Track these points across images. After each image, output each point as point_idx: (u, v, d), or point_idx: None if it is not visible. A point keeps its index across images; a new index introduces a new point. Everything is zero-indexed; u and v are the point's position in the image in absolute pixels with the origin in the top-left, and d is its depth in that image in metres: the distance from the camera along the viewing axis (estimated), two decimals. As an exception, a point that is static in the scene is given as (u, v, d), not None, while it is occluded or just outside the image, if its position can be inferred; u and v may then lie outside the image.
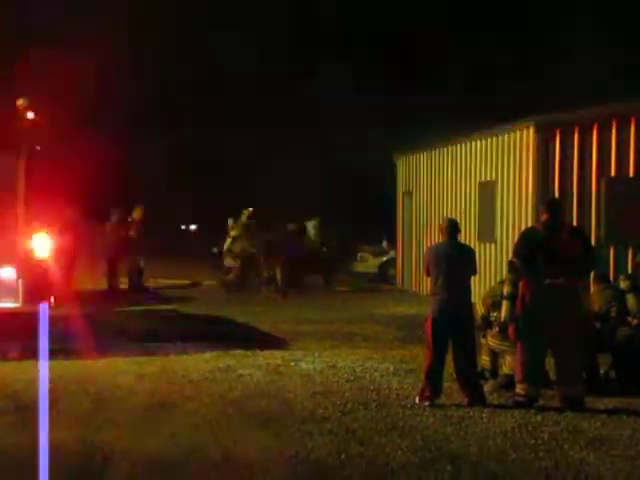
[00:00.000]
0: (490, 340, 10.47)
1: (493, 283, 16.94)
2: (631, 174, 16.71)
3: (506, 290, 10.02)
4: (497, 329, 10.25)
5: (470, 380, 9.61)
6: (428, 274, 9.94)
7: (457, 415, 8.97)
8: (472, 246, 13.24)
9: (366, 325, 15.67)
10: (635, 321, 10.43)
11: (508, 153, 17.71)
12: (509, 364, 10.16)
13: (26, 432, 8.09)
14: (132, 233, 20.87)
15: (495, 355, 10.65)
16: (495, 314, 10.38)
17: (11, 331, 12.36)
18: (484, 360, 10.66)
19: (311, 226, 22.63)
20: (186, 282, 23.59)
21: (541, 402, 9.41)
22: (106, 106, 32.21)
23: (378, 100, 33.42)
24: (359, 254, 26.36)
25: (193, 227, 38.44)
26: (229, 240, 22.01)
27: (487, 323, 10.62)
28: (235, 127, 36.29)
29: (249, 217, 22.03)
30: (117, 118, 33.31)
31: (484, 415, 8.98)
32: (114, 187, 29.88)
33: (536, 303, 9.32)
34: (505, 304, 9.99)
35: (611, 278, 16.56)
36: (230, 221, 22.32)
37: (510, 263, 10.28)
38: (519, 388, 9.40)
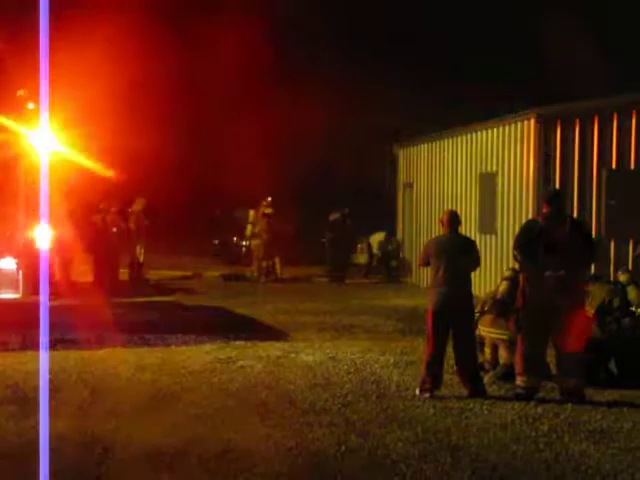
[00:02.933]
0: (482, 328, 10.44)
1: (493, 274, 16.99)
2: (632, 166, 16.70)
3: (507, 273, 10.06)
4: (491, 307, 10.24)
5: (470, 372, 9.60)
6: (423, 264, 9.97)
7: (457, 407, 8.98)
8: (473, 238, 13.23)
9: (366, 317, 15.67)
10: (639, 311, 10.43)
11: (509, 144, 17.69)
12: (503, 355, 10.18)
13: (26, 422, 8.11)
14: (132, 225, 20.88)
15: (496, 347, 10.66)
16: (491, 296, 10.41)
17: (11, 321, 12.38)
18: (485, 352, 10.66)
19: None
20: (187, 273, 23.60)
21: (541, 394, 9.41)
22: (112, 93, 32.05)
23: (380, 89, 33.32)
24: (359, 245, 26.35)
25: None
26: (250, 227, 22.67)
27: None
28: (228, 119, 36.16)
29: (266, 207, 22.45)
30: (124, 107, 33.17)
31: (484, 407, 8.99)
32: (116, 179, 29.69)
33: (537, 295, 9.32)
34: (504, 284, 10.01)
35: (611, 269, 16.65)
36: (251, 212, 22.95)
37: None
38: (519, 380, 9.40)
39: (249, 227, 23.14)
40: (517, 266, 10.10)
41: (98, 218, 19.90)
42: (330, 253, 22.93)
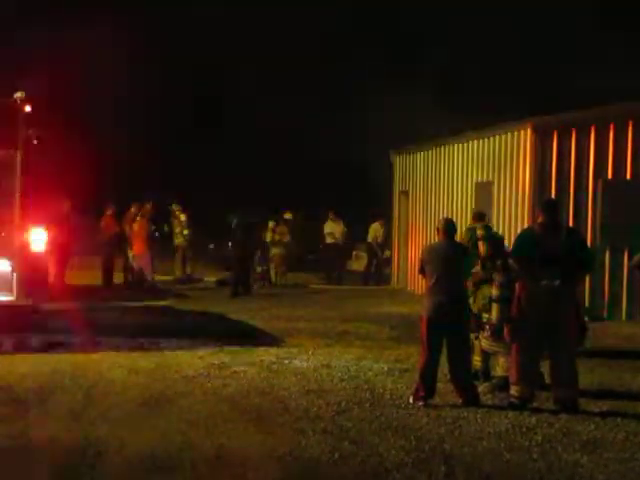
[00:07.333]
0: (483, 342, 10.45)
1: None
2: (628, 176, 16.73)
3: (495, 293, 10.00)
4: (490, 332, 10.21)
5: (464, 380, 9.59)
6: (422, 273, 9.93)
7: (451, 415, 8.97)
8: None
9: (361, 324, 15.66)
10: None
11: (505, 154, 17.71)
12: (502, 365, 10.15)
13: (19, 424, 8.09)
14: (128, 229, 20.88)
15: (487, 356, 10.63)
16: (487, 316, 10.35)
17: (5, 324, 12.35)
18: (476, 360, 10.62)
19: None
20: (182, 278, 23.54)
21: (535, 404, 9.40)
22: (104, 100, 32.15)
23: (379, 97, 33.33)
24: (354, 252, 26.33)
25: None
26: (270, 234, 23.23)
27: (479, 324, 10.58)
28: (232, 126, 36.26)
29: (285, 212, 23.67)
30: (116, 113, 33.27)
31: (478, 416, 8.97)
32: (112, 181, 29.82)
33: (532, 304, 9.31)
34: (495, 307, 9.98)
35: (606, 279, 16.68)
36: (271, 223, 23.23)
37: (500, 264, 10.25)
38: (513, 389, 9.40)
39: (269, 234, 23.24)
40: (498, 277, 10.05)
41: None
42: (232, 262, 21.39)
